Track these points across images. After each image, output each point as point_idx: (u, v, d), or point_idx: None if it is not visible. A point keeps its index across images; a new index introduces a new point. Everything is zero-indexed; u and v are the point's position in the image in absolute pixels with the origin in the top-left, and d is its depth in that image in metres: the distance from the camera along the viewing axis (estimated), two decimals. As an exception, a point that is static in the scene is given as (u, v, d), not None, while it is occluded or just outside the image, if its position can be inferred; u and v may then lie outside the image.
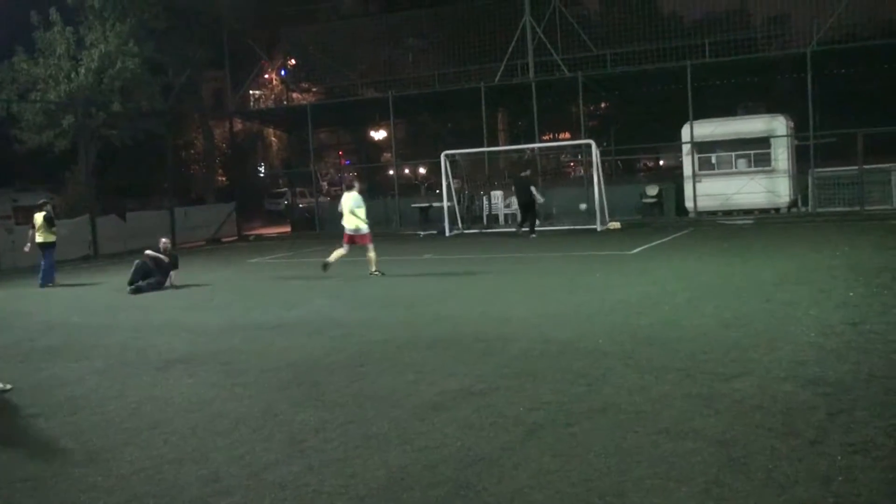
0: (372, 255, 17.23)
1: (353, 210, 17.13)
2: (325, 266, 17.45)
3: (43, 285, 18.98)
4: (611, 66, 32.03)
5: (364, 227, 17.22)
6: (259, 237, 33.69)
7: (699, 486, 5.10)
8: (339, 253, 17.48)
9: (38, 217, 19.42)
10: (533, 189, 25.25)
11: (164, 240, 18.00)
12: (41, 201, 20.41)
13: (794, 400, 6.71)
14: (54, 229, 19.57)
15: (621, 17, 32.75)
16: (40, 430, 7.28)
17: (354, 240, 17.32)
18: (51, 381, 9.19)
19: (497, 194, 32.20)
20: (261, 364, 9.28)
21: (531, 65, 32.82)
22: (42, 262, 19.28)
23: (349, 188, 17.70)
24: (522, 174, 26.64)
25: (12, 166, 29.83)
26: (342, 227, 17.50)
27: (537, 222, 25.79)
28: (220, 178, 44.04)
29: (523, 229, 25.25)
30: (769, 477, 5.20)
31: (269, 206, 46.19)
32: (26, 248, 19.66)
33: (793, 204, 27.79)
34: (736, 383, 7.26)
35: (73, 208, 28.91)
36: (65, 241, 25.60)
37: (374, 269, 17.14)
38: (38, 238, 19.32)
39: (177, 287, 17.16)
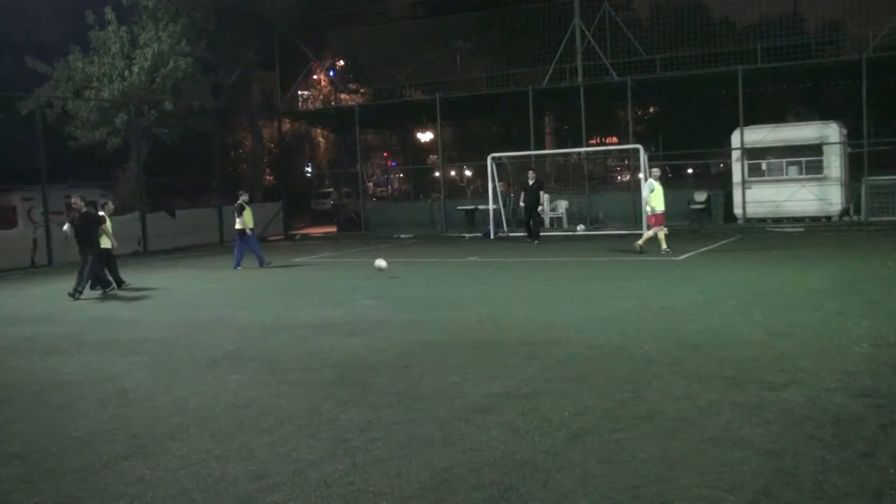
0: (661, 234, 19.41)
1: (653, 194, 19.37)
2: (666, 251, 19.22)
3: (235, 267, 20.78)
4: (660, 71, 31.75)
5: (656, 210, 19.47)
6: (305, 236, 33.93)
7: (747, 496, 5.04)
8: (661, 235, 19.47)
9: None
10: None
11: (74, 199, 17.72)
12: (239, 192, 21.78)
13: (844, 411, 6.60)
14: (241, 219, 20.85)
15: (672, 22, 32.42)
16: (90, 422, 7.40)
17: (652, 219, 19.61)
18: (101, 374, 9.34)
19: (544, 198, 32.07)
20: (306, 363, 9.35)
21: (580, 68, 32.65)
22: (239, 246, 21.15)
23: (650, 177, 19.81)
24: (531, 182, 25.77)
25: (66, 163, 30.33)
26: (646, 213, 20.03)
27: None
28: (267, 178, 44.46)
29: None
30: (819, 488, 5.12)
31: (316, 205, 46.50)
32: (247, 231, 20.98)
33: (845, 212, 27.31)
34: (785, 393, 7.16)
35: (124, 205, 29.35)
36: (116, 237, 26.05)
37: (644, 243, 19.65)
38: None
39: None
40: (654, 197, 19.49)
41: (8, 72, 30.24)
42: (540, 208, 24.55)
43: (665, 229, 19.61)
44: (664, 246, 19.30)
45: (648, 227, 20.21)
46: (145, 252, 27.23)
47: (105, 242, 17.41)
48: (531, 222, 24.73)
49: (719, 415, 6.64)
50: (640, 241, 19.86)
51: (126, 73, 28.18)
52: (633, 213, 27.95)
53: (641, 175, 26.74)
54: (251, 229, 21.05)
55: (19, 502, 5.58)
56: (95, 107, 28.42)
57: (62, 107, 28.22)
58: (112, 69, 28.29)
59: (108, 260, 17.65)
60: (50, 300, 16.64)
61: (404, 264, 20.81)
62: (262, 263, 20.91)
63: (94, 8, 28.09)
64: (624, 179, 41.19)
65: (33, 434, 7.10)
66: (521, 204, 24.92)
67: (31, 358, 10.52)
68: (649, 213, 19.79)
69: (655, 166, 21.67)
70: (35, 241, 24.08)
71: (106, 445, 6.66)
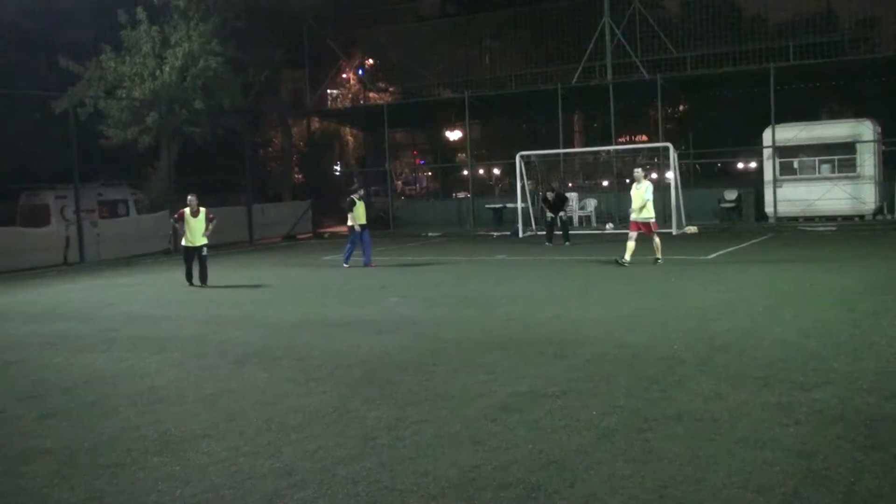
0: (658, 241, 17.71)
1: (646, 199, 17.48)
2: (620, 262, 17.62)
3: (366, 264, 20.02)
4: (691, 69, 31.54)
5: (652, 216, 17.67)
6: (334, 235, 34.03)
7: (778, 498, 4.98)
8: (631, 247, 17.66)
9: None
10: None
11: None
12: (355, 186, 21.16)
13: (877, 412, 6.51)
14: (351, 214, 20.01)
15: (702, 19, 32.19)
16: (121, 418, 7.46)
17: (641, 227, 17.69)
18: (132, 371, 9.42)
19: (572, 196, 31.96)
20: (334, 360, 9.37)
21: (609, 66, 32.52)
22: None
23: (639, 180, 17.92)
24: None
25: (98, 162, 30.62)
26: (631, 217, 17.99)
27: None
28: (296, 176, 44.60)
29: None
30: (851, 490, 5.05)
31: (345, 204, 46.51)
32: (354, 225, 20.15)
33: (878, 211, 27.01)
34: (816, 393, 7.08)
35: (155, 203, 29.59)
36: (146, 235, 26.33)
37: (659, 255, 17.65)
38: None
39: None
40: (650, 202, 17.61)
41: (42, 71, 30.60)
42: (561, 214, 24.09)
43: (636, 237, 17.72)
44: (628, 257, 17.58)
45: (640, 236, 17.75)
46: (175, 251, 27.39)
47: (195, 239, 17.45)
48: (554, 224, 24.30)
49: (749, 415, 6.58)
50: (659, 254, 17.70)
51: (157, 73, 28.40)
52: (662, 211, 27.77)
53: (670, 174, 26.60)
54: (360, 225, 19.88)
55: (51, 497, 5.64)
56: (127, 106, 28.67)
57: (94, 106, 28.49)
58: (143, 68, 28.52)
59: (188, 256, 17.60)
60: (82, 297, 16.83)
61: (432, 262, 20.81)
62: (367, 262, 19.97)
63: (126, 8, 28.33)
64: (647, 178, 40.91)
65: (65, 430, 7.17)
66: (550, 216, 24.23)
67: (64, 354, 10.62)
68: (652, 220, 17.66)
69: (639, 166, 19.60)
70: (68, 238, 24.32)
71: (136, 442, 6.71)
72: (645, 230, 17.61)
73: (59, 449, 6.63)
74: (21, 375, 9.53)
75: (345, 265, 20.04)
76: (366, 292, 15.48)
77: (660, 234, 17.89)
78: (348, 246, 20.29)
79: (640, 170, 18.40)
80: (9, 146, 28.36)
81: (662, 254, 17.72)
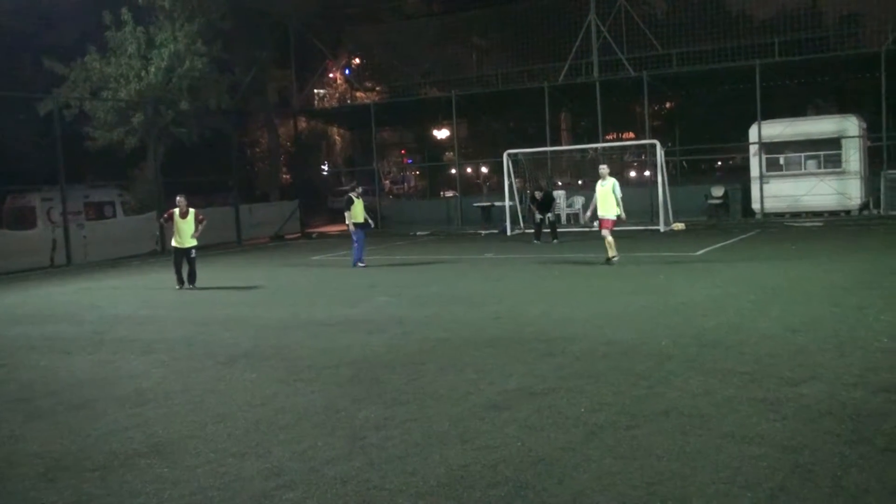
0: (610, 239, 17.38)
1: (617, 197, 17.27)
2: (610, 261, 17.33)
3: (354, 264, 19.74)
4: (677, 66, 31.62)
5: (611, 215, 17.40)
6: (322, 234, 33.99)
7: (765, 493, 5.01)
8: (611, 239, 17.46)
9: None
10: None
11: None
12: (353, 185, 20.69)
13: (864, 406, 6.55)
14: (348, 213, 19.66)
15: (688, 16, 32.30)
16: (108, 420, 7.43)
17: (601, 223, 17.48)
18: (119, 373, 9.39)
19: (559, 194, 31.99)
20: (323, 360, 9.35)
21: (596, 64, 32.57)
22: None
23: (606, 176, 17.63)
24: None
25: (84, 163, 30.49)
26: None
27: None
28: (284, 176, 44.53)
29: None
30: (837, 485, 5.08)
31: (332, 203, 46.51)
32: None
33: (864, 206, 27.13)
34: (803, 388, 7.11)
35: (142, 204, 29.49)
36: (134, 237, 26.21)
37: (612, 253, 17.33)
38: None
39: None
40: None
41: (27, 73, 30.44)
42: (549, 214, 24.07)
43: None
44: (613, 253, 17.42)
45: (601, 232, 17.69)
46: (163, 252, 27.30)
47: (184, 241, 17.10)
48: (543, 223, 24.23)
49: (737, 411, 6.60)
50: (612, 253, 17.40)
51: (143, 74, 28.29)
52: (649, 208, 27.86)
53: (656, 172, 26.66)
54: (356, 224, 19.56)
55: (39, 500, 5.61)
56: (112, 107, 28.54)
57: (80, 107, 28.35)
58: (129, 69, 28.40)
59: (177, 258, 17.24)
60: (69, 300, 16.75)
61: (421, 262, 20.81)
62: (355, 262, 19.68)
63: (111, 9, 28.20)
64: (632, 175, 41.15)
65: (52, 433, 7.14)
66: (539, 216, 24.15)
67: (51, 357, 10.58)
68: (618, 217, 17.51)
69: (604, 163, 19.34)
70: (54, 241, 24.22)
71: (124, 444, 6.69)
72: (604, 225, 17.45)
73: (46, 452, 6.61)
74: (8, 378, 9.50)
75: (359, 265, 19.63)
76: (355, 292, 15.46)
77: (613, 235, 17.63)
78: (355, 245, 19.88)
79: (605, 167, 18.28)
80: (-6, 148, 28.24)
81: (611, 253, 17.37)
